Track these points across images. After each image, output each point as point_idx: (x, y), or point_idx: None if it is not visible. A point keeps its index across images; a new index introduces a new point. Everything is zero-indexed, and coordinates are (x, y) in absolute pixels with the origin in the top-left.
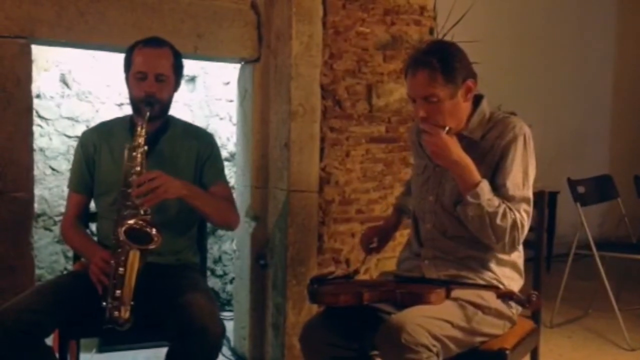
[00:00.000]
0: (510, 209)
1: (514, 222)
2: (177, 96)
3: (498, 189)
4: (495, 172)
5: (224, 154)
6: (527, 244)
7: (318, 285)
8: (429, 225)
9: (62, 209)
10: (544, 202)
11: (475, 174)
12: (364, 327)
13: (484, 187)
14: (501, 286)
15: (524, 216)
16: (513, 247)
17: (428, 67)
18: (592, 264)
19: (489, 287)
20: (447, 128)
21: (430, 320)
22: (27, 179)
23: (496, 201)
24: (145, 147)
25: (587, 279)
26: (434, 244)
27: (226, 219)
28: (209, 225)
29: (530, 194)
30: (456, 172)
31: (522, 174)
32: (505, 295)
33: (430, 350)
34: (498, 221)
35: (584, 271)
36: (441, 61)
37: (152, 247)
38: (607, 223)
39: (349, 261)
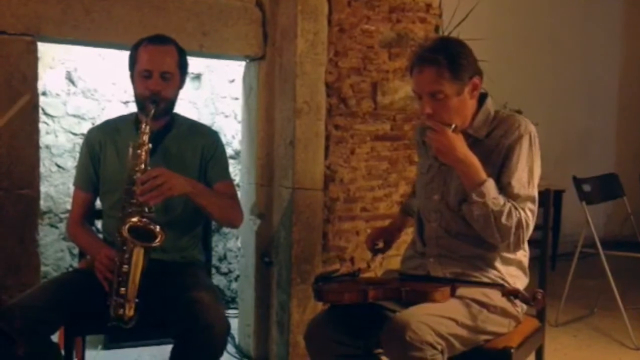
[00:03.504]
0: (515, 208)
1: (519, 221)
2: (182, 94)
3: (503, 188)
4: (500, 171)
5: (229, 151)
6: (532, 242)
7: (323, 283)
8: (434, 224)
9: (68, 206)
10: (550, 200)
11: (481, 173)
12: (368, 324)
13: (490, 185)
14: (506, 284)
15: (529, 215)
16: (518, 247)
17: (435, 64)
18: (598, 262)
19: (494, 285)
20: (453, 126)
21: (435, 319)
22: (33, 176)
23: (501, 200)
24: (150, 145)
25: (592, 277)
26: (438, 243)
27: (230, 217)
28: (213, 223)
29: (535, 192)
30: (461, 170)
31: (528, 173)
32: (511, 293)
33: (434, 348)
34: (503, 220)
35: (590, 270)
36: (448, 58)
37: (155, 244)
38: (613, 222)
39: (354, 259)
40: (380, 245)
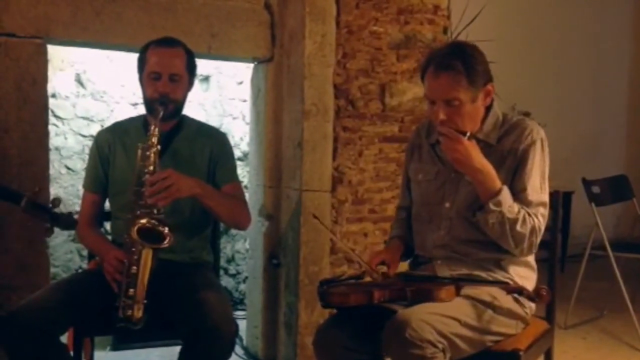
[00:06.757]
0: (529, 215)
1: (533, 228)
2: (190, 96)
3: (517, 194)
4: (514, 177)
5: (237, 153)
6: (541, 244)
7: (327, 286)
8: (443, 232)
9: (77, 208)
10: (559, 202)
11: (497, 181)
12: (377, 329)
13: (506, 194)
14: (512, 283)
15: (541, 220)
16: (530, 252)
17: (452, 70)
18: (607, 264)
19: (497, 283)
20: (468, 134)
21: (437, 317)
22: (42, 178)
23: (516, 207)
24: (158, 147)
25: (602, 279)
26: (445, 249)
27: (237, 219)
28: (222, 224)
29: (547, 197)
30: (478, 179)
31: (540, 178)
32: (514, 291)
33: (435, 347)
34: (518, 228)
35: (599, 272)
36: (465, 64)
37: (164, 245)
38: (623, 224)
39: (360, 260)
40: (385, 269)
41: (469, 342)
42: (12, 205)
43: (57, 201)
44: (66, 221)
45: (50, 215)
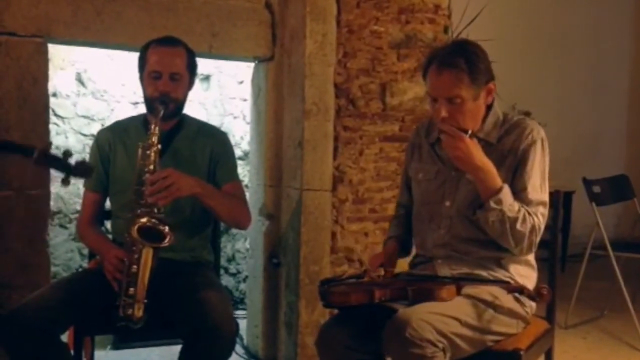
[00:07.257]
0: (529, 214)
1: (533, 227)
2: (191, 95)
3: (517, 193)
4: (514, 176)
5: (238, 152)
6: (541, 243)
7: (328, 286)
8: (443, 231)
9: (78, 207)
10: (559, 201)
11: (497, 179)
12: (379, 328)
13: (506, 192)
14: (513, 282)
15: (541, 220)
16: (530, 251)
17: (455, 68)
18: (608, 264)
19: (498, 282)
20: (469, 132)
21: (437, 317)
22: (43, 177)
23: (516, 206)
24: (159, 146)
25: (602, 279)
26: (446, 248)
27: (238, 218)
28: (222, 223)
29: (546, 197)
30: (479, 177)
31: (540, 178)
32: (515, 290)
33: (435, 346)
34: (518, 226)
35: (600, 272)
36: (468, 62)
37: (164, 244)
38: (623, 223)
39: (362, 260)
40: (382, 272)
41: (470, 342)
42: (24, 160)
43: (68, 152)
44: (81, 169)
45: (62, 165)
